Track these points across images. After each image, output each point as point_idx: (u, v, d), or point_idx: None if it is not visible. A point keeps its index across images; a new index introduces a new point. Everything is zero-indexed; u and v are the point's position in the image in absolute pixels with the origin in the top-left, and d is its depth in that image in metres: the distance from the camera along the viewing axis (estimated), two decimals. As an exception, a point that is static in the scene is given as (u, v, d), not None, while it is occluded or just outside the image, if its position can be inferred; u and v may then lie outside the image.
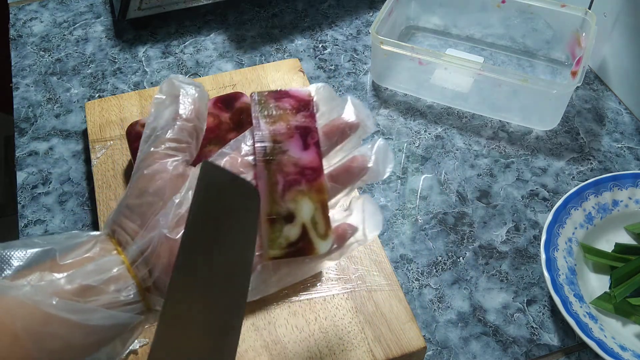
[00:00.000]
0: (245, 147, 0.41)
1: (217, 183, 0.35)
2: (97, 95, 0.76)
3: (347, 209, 0.44)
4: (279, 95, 0.43)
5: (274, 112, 0.42)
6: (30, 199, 0.65)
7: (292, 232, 0.39)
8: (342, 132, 0.43)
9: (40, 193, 0.66)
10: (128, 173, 0.63)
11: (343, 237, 0.42)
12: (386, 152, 0.43)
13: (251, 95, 0.43)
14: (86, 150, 0.70)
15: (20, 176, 0.67)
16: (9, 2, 0.89)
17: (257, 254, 0.39)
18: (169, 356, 0.31)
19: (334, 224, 0.41)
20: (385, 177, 0.43)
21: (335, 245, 0.41)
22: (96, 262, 0.36)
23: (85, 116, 0.70)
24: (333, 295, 0.54)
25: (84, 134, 0.71)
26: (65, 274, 0.35)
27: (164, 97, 0.42)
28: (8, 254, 0.36)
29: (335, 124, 0.43)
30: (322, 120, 0.43)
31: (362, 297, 0.54)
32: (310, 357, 0.50)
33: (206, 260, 0.33)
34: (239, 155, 0.41)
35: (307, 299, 0.54)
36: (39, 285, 0.34)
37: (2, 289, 0.34)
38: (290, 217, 0.39)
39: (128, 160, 0.64)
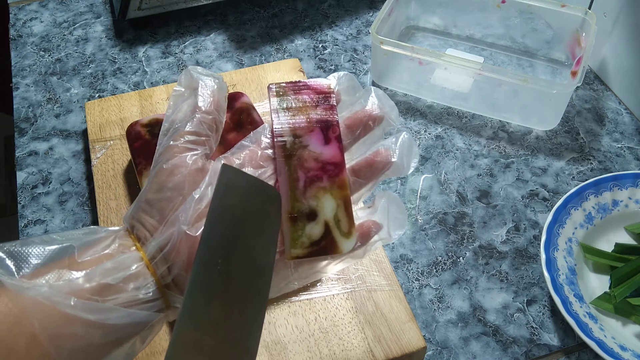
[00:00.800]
0: (265, 140, 0.40)
1: (237, 186, 0.35)
2: (97, 95, 0.76)
3: (371, 206, 0.42)
4: (298, 87, 0.41)
5: (294, 105, 0.40)
6: (30, 199, 0.65)
7: (314, 230, 0.38)
8: (365, 125, 0.41)
9: (40, 193, 0.66)
10: (128, 173, 0.63)
11: (367, 235, 0.40)
12: (411, 146, 0.41)
13: (269, 87, 0.41)
14: (86, 150, 0.70)
15: (20, 176, 0.67)
16: (9, 2, 0.89)
17: (278, 250, 0.38)
18: (187, 355, 0.30)
19: (357, 221, 0.40)
20: (410, 172, 0.41)
21: (358, 244, 0.40)
22: (115, 259, 0.36)
23: (85, 116, 0.70)
24: (333, 295, 0.54)
25: (84, 134, 0.71)
26: (83, 272, 0.35)
27: (182, 89, 0.41)
28: (26, 251, 0.35)
29: (358, 116, 0.41)
30: (344, 112, 0.42)
31: (362, 297, 0.54)
32: (310, 357, 0.50)
33: (226, 261, 0.33)
34: (259, 148, 0.40)
35: (307, 299, 0.54)
36: (57, 284, 0.34)
37: (20, 288, 0.33)
38: (312, 215, 0.38)
39: (128, 160, 0.64)
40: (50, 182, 0.67)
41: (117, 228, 0.38)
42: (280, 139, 0.39)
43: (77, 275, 0.34)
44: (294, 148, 0.39)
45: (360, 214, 0.41)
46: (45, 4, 0.89)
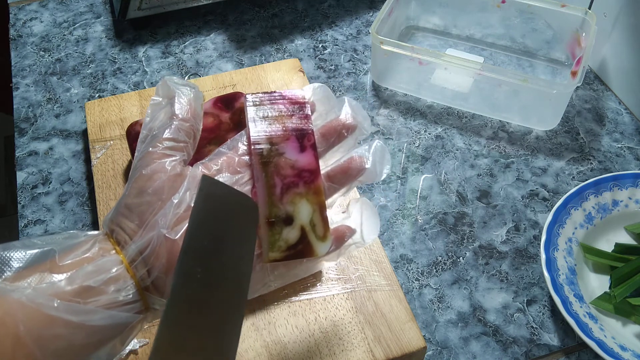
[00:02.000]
0: (242, 147, 0.42)
1: (215, 196, 0.35)
2: (97, 95, 0.76)
3: (346, 211, 0.44)
4: (274, 97, 0.43)
5: (270, 114, 0.42)
6: (30, 199, 0.65)
7: (291, 234, 0.39)
8: (338, 134, 0.43)
9: (40, 193, 0.66)
10: (128, 173, 0.63)
11: (341, 238, 0.42)
12: (383, 153, 0.43)
13: (245, 97, 0.43)
14: (86, 150, 0.70)
15: (20, 176, 0.67)
16: (9, 2, 0.89)
17: (256, 253, 0.39)
18: (170, 358, 0.31)
19: (332, 226, 0.41)
20: (382, 178, 0.43)
21: (333, 247, 0.41)
22: (95, 262, 0.36)
23: (85, 116, 0.70)
24: (333, 295, 0.54)
25: (84, 134, 0.71)
26: (65, 275, 0.35)
27: (159, 99, 0.43)
28: (8, 255, 0.36)
29: (332, 125, 0.43)
30: (319, 121, 0.44)
31: (362, 297, 0.54)
32: (310, 357, 0.50)
33: (206, 271, 0.34)
34: (236, 154, 0.41)
35: (307, 299, 0.54)
36: (40, 287, 0.35)
37: (3, 291, 0.34)
38: (289, 220, 0.39)
39: (128, 160, 0.64)
40: (50, 182, 0.67)
41: (96, 232, 0.39)
42: (257, 146, 0.40)
43: (59, 277, 0.35)
44: (270, 155, 0.40)
45: (335, 218, 0.43)
46: (45, 4, 0.89)
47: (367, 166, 0.42)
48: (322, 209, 0.40)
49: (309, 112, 0.42)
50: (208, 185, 0.35)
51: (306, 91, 0.44)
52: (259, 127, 0.41)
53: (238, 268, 0.36)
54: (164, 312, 0.32)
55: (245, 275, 0.37)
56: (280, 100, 0.42)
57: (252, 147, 0.41)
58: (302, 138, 0.41)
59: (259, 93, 0.43)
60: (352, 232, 0.43)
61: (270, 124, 0.41)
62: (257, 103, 0.42)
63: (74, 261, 0.36)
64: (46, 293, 0.34)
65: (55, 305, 0.34)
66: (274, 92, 0.43)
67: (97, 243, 0.38)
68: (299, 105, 0.42)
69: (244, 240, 0.37)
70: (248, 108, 0.42)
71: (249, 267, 0.37)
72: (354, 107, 0.43)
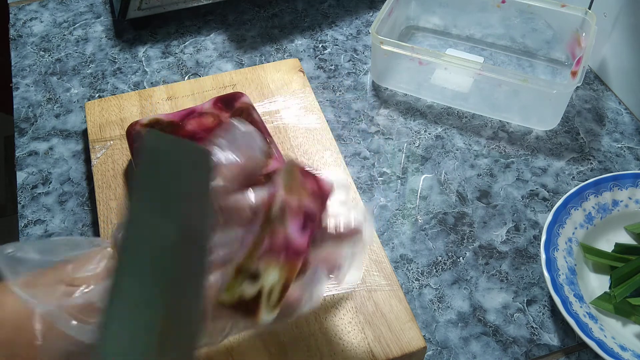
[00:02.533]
0: (259, 194, 0.41)
1: (162, 151, 0.33)
2: (97, 95, 0.76)
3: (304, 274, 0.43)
4: (307, 174, 0.43)
5: (294, 187, 0.42)
6: (30, 199, 0.65)
7: (248, 289, 0.39)
8: (342, 237, 0.44)
9: (40, 193, 0.66)
10: (128, 173, 0.63)
11: (292, 308, 0.41)
12: (372, 224, 0.45)
13: (286, 162, 0.43)
14: (86, 150, 0.70)
15: (20, 176, 0.67)
16: (9, 2, 0.89)
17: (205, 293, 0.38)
18: (124, 342, 0.29)
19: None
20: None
21: (276, 319, 0.40)
22: (104, 282, 0.36)
23: (85, 116, 0.70)
24: (333, 295, 0.54)
25: (84, 134, 0.71)
26: (79, 292, 0.35)
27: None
28: (21, 257, 0.36)
29: (343, 231, 0.44)
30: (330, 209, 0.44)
31: (362, 297, 0.54)
32: (310, 357, 0.50)
33: (158, 235, 0.32)
34: (271, 192, 0.42)
35: (307, 299, 0.54)
36: (61, 304, 0.35)
37: (25, 299, 0.34)
38: (254, 277, 0.40)
39: (128, 160, 0.64)
40: (50, 182, 0.67)
41: (103, 244, 0.38)
42: (273, 204, 0.41)
43: (75, 294, 0.35)
44: (275, 218, 0.41)
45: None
46: (45, 4, 0.89)
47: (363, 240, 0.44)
48: (286, 285, 0.40)
49: (328, 202, 0.44)
50: (153, 140, 0.33)
51: (335, 177, 0.45)
52: (280, 192, 0.42)
53: (196, 226, 0.34)
54: (109, 288, 0.30)
55: (204, 234, 0.35)
56: (312, 181, 0.43)
57: (270, 198, 0.41)
58: (308, 220, 0.42)
59: (295, 162, 0.44)
60: (304, 303, 0.42)
61: (291, 192, 0.42)
62: (290, 171, 0.43)
63: (85, 276, 0.36)
64: (65, 309, 0.34)
65: (73, 325, 0.34)
66: (310, 170, 0.44)
67: (104, 259, 0.37)
68: (324, 194, 0.44)
69: (200, 194, 0.35)
70: (282, 171, 0.43)
71: (208, 223, 0.35)
72: (369, 224, 0.45)
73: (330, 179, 0.44)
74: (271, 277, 0.40)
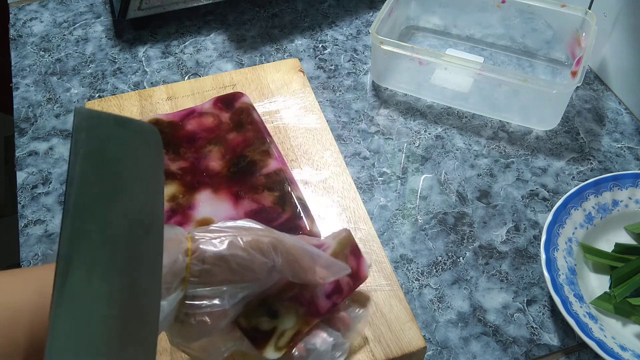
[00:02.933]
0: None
1: (100, 130, 0.30)
2: (97, 95, 0.76)
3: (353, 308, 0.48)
4: (355, 251, 0.49)
5: (340, 256, 0.47)
6: (30, 199, 0.65)
7: (264, 323, 0.43)
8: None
9: (40, 193, 0.66)
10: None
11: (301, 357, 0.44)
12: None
13: (345, 232, 0.49)
14: (86, 150, 0.70)
15: (20, 176, 0.67)
16: (9, 2, 0.89)
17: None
18: (72, 343, 0.27)
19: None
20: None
21: (279, 357, 0.43)
22: None
23: (85, 116, 0.70)
24: (333, 295, 0.54)
25: (84, 134, 0.71)
26: None
27: None
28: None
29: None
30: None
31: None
32: (310, 357, 0.50)
33: (102, 225, 0.30)
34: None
35: (307, 299, 0.54)
36: None
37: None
38: (273, 314, 0.44)
39: (128, 160, 0.64)
40: (50, 182, 0.67)
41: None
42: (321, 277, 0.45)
43: None
44: (310, 283, 0.44)
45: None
46: (45, 4, 0.89)
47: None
48: (299, 333, 0.44)
49: (360, 284, 0.48)
50: (86, 119, 0.30)
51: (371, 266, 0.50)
52: (330, 252, 0.47)
53: (146, 211, 0.32)
54: (54, 289, 0.27)
55: (156, 218, 0.32)
56: (356, 258, 0.48)
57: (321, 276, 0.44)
58: (337, 292, 0.46)
59: (352, 238, 0.49)
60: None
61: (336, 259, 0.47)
62: (344, 242, 0.48)
63: None
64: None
65: None
66: (360, 248, 0.49)
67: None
68: (360, 274, 0.48)
69: (148, 176, 0.33)
70: (339, 238, 0.48)
71: (160, 209, 0.33)
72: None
73: (368, 265, 0.49)
74: (288, 321, 0.44)
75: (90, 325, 0.28)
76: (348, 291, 0.47)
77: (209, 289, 0.39)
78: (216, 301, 0.39)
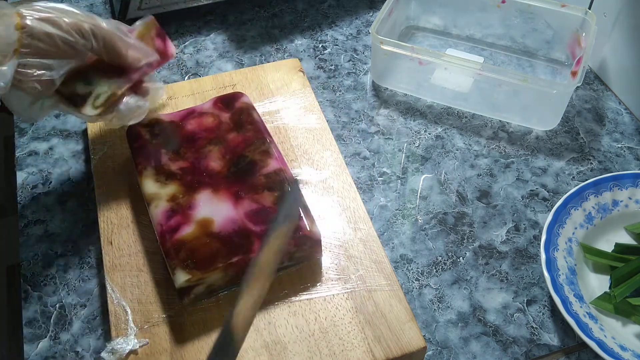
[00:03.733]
0: None
1: None
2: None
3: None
4: (161, 34, 0.63)
5: (145, 38, 0.61)
6: (30, 199, 0.65)
7: (80, 89, 0.56)
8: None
9: (40, 193, 0.66)
10: (128, 173, 0.63)
11: (114, 110, 0.58)
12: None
13: (149, 18, 0.63)
14: (86, 150, 0.70)
15: (20, 176, 0.67)
16: (9, 2, 0.89)
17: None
18: None
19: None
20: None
21: (98, 113, 0.57)
22: None
23: (85, 116, 0.70)
24: (333, 295, 0.54)
25: (84, 134, 0.71)
26: None
27: None
28: None
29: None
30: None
31: (362, 297, 0.54)
32: (310, 357, 0.50)
33: None
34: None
35: (307, 299, 0.54)
36: None
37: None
38: (89, 82, 0.57)
39: (128, 160, 0.64)
40: (50, 182, 0.67)
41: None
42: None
43: None
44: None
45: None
46: (45, 4, 0.89)
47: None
48: (113, 96, 0.57)
49: (166, 62, 0.64)
50: None
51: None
52: (135, 34, 0.60)
53: None
54: None
55: None
56: (163, 40, 0.63)
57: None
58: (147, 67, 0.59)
59: (158, 26, 0.62)
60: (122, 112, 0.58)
61: (142, 40, 0.60)
62: (149, 24, 0.62)
63: None
64: None
65: None
66: (165, 33, 0.63)
67: None
68: (167, 53, 0.63)
69: None
70: (143, 23, 0.61)
71: None
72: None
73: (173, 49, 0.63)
74: (102, 87, 0.56)
75: None
76: (156, 65, 0.60)
77: (38, 60, 0.51)
78: (45, 71, 0.51)
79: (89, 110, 0.58)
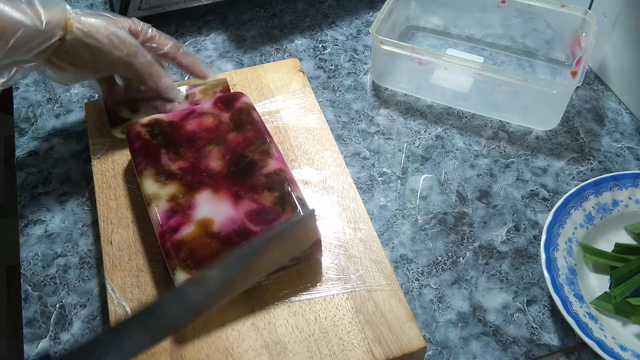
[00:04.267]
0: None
1: None
2: (97, 95, 0.76)
3: None
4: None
5: (208, 94, 0.68)
6: (30, 199, 0.65)
7: (124, 113, 0.66)
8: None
9: (40, 193, 0.66)
10: (128, 173, 0.63)
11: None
12: None
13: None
14: (86, 150, 0.70)
15: (20, 176, 0.67)
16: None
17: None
18: None
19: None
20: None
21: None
22: None
23: (85, 116, 0.70)
24: (333, 295, 0.54)
25: (84, 134, 0.71)
26: None
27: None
28: None
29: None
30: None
31: (362, 297, 0.54)
32: (310, 357, 0.50)
33: None
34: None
35: (307, 299, 0.54)
36: None
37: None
38: (134, 110, 0.66)
39: (128, 160, 0.64)
40: (50, 182, 0.67)
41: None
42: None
43: None
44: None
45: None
46: (45, 4, 0.89)
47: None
48: None
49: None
50: None
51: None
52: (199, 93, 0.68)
53: None
54: None
55: None
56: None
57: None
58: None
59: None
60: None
61: (205, 95, 0.68)
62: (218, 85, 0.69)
63: None
64: None
65: None
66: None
67: None
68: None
69: None
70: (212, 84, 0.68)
71: None
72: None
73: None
74: (141, 117, 0.62)
75: None
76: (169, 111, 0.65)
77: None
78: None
79: (118, 133, 0.64)
